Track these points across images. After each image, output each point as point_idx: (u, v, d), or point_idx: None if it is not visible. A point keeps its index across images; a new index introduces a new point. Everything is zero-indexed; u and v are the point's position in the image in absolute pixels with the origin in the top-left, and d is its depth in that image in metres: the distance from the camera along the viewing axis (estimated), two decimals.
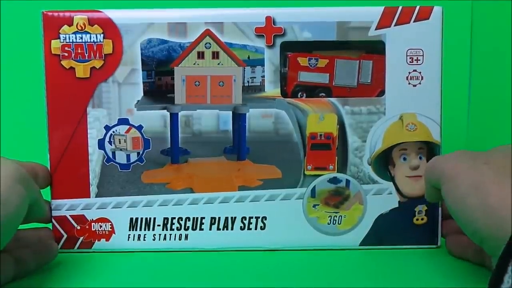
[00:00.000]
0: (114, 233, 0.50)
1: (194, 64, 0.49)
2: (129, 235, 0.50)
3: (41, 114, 0.49)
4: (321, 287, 0.43)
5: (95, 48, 0.48)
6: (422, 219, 0.50)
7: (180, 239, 0.50)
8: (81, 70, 0.48)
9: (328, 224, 0.50)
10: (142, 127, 0.49)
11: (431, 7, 0.48)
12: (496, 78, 0.67)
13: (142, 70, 0.49)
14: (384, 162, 0.50)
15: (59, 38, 0.48)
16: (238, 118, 0.49)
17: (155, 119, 0.49)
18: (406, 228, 0.50)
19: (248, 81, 0.49)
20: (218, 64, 0.49)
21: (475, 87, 0.67)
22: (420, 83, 0.49)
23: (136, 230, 0.50)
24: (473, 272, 0.45)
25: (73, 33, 0.48)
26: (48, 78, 0.48)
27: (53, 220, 0.50)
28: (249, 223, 0.50)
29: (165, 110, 0.49)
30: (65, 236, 0.50)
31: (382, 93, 0.49)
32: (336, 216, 0.50)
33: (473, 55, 0.66)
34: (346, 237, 0.50)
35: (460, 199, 0.38)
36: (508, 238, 0.31)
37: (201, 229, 0.50)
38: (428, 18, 0.48)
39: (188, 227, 0.50)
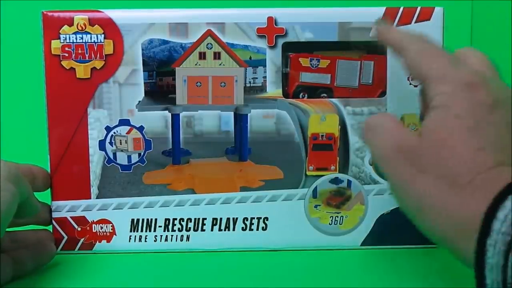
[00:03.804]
0: (115, 235, 0.50)
1: (195, 64, 0.49)
2: (130, 236, 0.50)
3: (41, 115, 0.48)
4: (322, 287, 0.43)
5: (95, 48, 0.48)
6: None
7: (181, 240, 0.50)
8: (82, 71, 0.48)
9: (329, 224, 0.50)
10: (143, 128, 0.49)
11: (432, 8, 0.48)
12: None
13: (143, 71, 0.48)
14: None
15: (59, 38, 0.48)
16: (240, 119, 0.49)
17: (156, 120, 0.49)
18: (406, 228, 0.50)
19: (249, 82, 0.49)
20: (220, 64, 0.49)
21: None
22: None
23: (137, 231, 0.50)
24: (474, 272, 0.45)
25: (73, 33, 0.48)
26: (48, 78, 0.48)
27: (53, 222, 0.49)
28: (251, 223, 0.50)
29: (167, 111, 0.49)
30: (66, 237, 0.49)
31: (383, 93, 0.49)
32: (337, 217, 0.50)
33: None
34: (348, 237, 0.50)
35: (414, 214, 0.35)
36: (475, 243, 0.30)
37: (202, 230, 0.50)
38: (429, 19, 0.48)
39: (190, 228, 0.50)
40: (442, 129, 0.34)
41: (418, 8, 0.48)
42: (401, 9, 0.48)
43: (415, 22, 0.48)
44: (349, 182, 0.50)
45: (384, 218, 0.50)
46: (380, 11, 0.48)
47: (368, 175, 0.50)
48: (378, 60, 0.49)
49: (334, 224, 0.50)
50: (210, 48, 0.48)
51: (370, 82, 0.50)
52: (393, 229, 0.50)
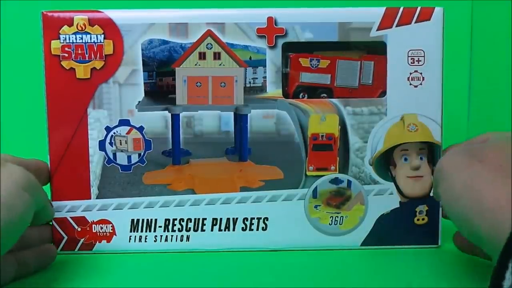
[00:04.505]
0: (115, 235, 0.50)
1: (195, 64, 0.49)
2: (130, 236, 0.50)
3: (41, 115, 0.48)
4: (323, 287, 0.43)
5: (95, 48, 0.48)
6: (423, 219, 0.50)
7: (181, 240, 0.50)
8: (82, 71, 0.48)
9: (329, 224, 0.50)
10: (143, 128, 0.49)
11: (432, 8, 0.48)
12: (496, 78, 0.67)
13: (143, 71, 0.48)
14: (385, 163, 0.50)
15: (59, 38, 0.48)
16: (240, 119, 0.49)
17: (156, 120, 0.49)
18: (407, 228, 0.50)
19: (249, 82, 0.49)
20: (220, 65, 0.49)
21: (475, 87, 0.67)
22: (421, 84, 0.49)
23: (137, 231, 0.50)
24: (474, 271, 0.45)
25: (73, 33, 0.48)
26: (48, 79, 0.48)
27: (53, 222, 0.49)
28: (251, 224, 0.50)
29: (167, 111, 0.49)
30: (66, 237, 0.49)
31: (383, 94, 0.49)
32: (337, 217, 0.50)
33: (473, 55, 0.66)
34: (348, 237, 0.50)
35: (455, 200, 0.37)
36: (505, 239, 0.31)
37: (202, 230, 0.50)
38: (429, 19, 0.48)
39: (190, 228, 0.50)
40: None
41: (418, 8, 0.48)
42: (401, 9, 0.48)
43: (415, 22, 0.48)
44: (349, 182, 0.50)
45: (384, 218, 0.50)
46: (380, 11, 0.48)
47: (368, 175, 0.50)
48: (378, 60, 0.49)
49: (334, 224, 0.50)
50: (210, 48, 0.48)
51: (370, 82, 0.50)
52: (393, 229, 0.50)
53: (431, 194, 0.47)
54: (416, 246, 0.51)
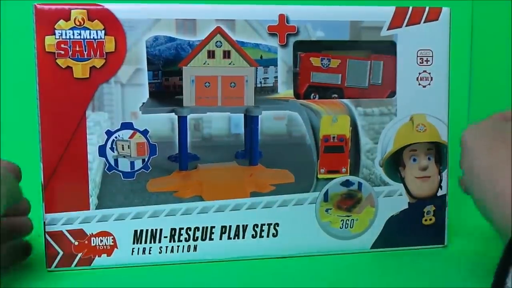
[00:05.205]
0: (117, 248, 0.46)
1: (204, 63, 0.46)
2: (133, 248, 0.46)
3: (32, 118, 0.44)
4: None
5: (95, 45, 0.44)
6: (430, 219, 0.50)
7: (188, 250, 0.47)
8: (80, 70, 0.44)
9: (340, 228, 0.49)
10: (148, 131, 0.45)
11: (440, 8, 0.48)
12: (496, 78, 0.68)
13: (148, 70, 0.45)
14: (394, 164, 0.49)
15: (54, 34, 0.43)
16: (250, 121, 0.47)
17: (162, 122, 0.45)
18: (415, 229, 0.50)
19: (260, 82, 0.47)
20: (230, 64, 0.46)
21: (475, 87, 0.68)
22: (429, 84, 0.49)
23: (140, 243, 0.46)
24: (481, 272, 0.45)
25: (70, 28, 0.44)
26: (41, 78, 0.43)
27: (47, 236, 0.45)
28: (261, 230, 0.48)
29: (173, 113, 0.46)
30: (61, 253, 0.45)
31: (392, 94, 0.49)
32: (348, 220, 0.49)
33: (473, 55, 0.67)
34: (358, 240, 0.49)
35: (475, 178, 0.37)
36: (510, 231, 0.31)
37: (211, 239, 0.47)
38: (437, 19, 0.48)
39: (197, 237, 0.47)
40: None
41: (427, 8, 0.48)
42: (411, 8, 0.48)
43: (424, 22, 0.48)
44: (359, 184, 0.49)
45: (393, 219, 0.50)
46: (390, 10, 0.48)
47: (379, 176, 0.49)
48: (387, 60, 0.49)
49: (345, 227, 0.49)
50: (220, 47, 0.46)
51: (380, 82, 0.49)
52: (402, 230, 0.50)
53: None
54: (424, 246, 0.50)
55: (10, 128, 0.61)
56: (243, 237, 0.47)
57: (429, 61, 0.49)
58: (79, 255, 0.45)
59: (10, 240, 0.43)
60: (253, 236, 0.48)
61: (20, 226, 0.45)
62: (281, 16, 0.46)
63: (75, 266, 0.45)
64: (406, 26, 0.48)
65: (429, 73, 0.49)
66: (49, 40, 0.43)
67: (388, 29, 0.48)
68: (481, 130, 0.40)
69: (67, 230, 0.45)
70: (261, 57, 0.46)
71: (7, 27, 0.61)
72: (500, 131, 0.38)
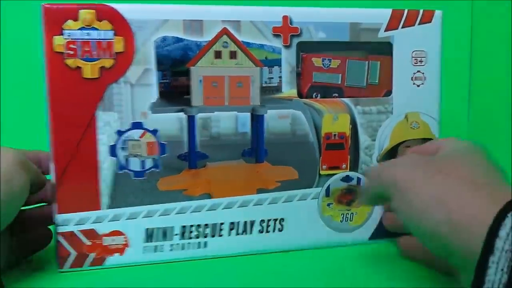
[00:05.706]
0: (128, 246, 0.46)
1: (211, 64, 0.47)
2: (144, 247, 0.46)
3: (42, 119, 0.44)
4: (338, 287, 0.44)
5: (104, 46, 0.44)
6: None
7: (198, 247, 0.48)
8: (89, 70, 0.44)
9: (340, 221, 0.51)
10: (157, 131, 0.46)
11: (433, 11, 0.51)
12: (496, 78, 0.69)
13: (157, 70, 0.45)
14: (390, 159, 0.52)
15: (62, 34, 0.43)
16: (256, 120, 0.48)
17: (171, 122, 0.46)
18: None
19: (265, 82, 0.48)
20: (236, 64, 0.47)
21: (475, 87, 0.69)
22: (423, 83, 0.51)
23: (152, 241, 0.47)
24: None
25: (78, 29, 0.43)
26: (50, 79, 0.43)
27: (59, 237, 0.45)
28: (268, 225, 0.49)
29: (182, 113, 0.46)
30: (74, 254, 0.45)
31: (388, 93, 0.51)
32: (348, 214, 0.51)
33: (473, 55, 0.68)
34: (357, 233, 0.52)
35: (420, 213, 0.35)
36: (479, 253, 0.31)
37: (220, 235, 0.48)
38: (430, 22, 0.51)
39: (207, 234, 0.48)
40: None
41: (421, 11, 0.51)
42: (406, 11, 0.50)
43: (418, 24, 0.51)
44: (358, 179, 0.51)
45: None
46: (387, 12, 0.50)
47: None
48: (383, 60, 0.51)
49: (345, 221, 0.51)
50: (226, 47, 0.47)
51: (377, 82, 0.51)
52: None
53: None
54: None
55: (19, 129, 0.60)
56: (251, 233, 0.49)
57: (422, 61, 0.51)
58: (92, 255, 0.45)
59: (36, 227, 0.46)
60: (260, 231, 0.49)
61: (46, 214, 0.46)
62: (285, 18, 0.48)
63: (88, 266, 0.45)
64: (402, 28, 0.50)
65: (423, 73, 0.51)
66: (58, 40, 0.43)
67: (385, 31, 0.50)
68: (411, 165, 0.39)
69: (79, 230, 0.45)
70: (266, 57, 0.48)
71: (14, 28, 0.59)
72: (429, 164, 0.38)
